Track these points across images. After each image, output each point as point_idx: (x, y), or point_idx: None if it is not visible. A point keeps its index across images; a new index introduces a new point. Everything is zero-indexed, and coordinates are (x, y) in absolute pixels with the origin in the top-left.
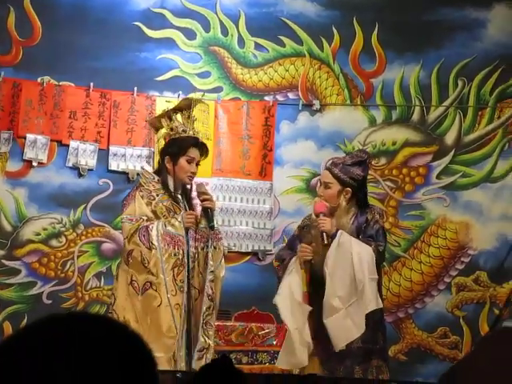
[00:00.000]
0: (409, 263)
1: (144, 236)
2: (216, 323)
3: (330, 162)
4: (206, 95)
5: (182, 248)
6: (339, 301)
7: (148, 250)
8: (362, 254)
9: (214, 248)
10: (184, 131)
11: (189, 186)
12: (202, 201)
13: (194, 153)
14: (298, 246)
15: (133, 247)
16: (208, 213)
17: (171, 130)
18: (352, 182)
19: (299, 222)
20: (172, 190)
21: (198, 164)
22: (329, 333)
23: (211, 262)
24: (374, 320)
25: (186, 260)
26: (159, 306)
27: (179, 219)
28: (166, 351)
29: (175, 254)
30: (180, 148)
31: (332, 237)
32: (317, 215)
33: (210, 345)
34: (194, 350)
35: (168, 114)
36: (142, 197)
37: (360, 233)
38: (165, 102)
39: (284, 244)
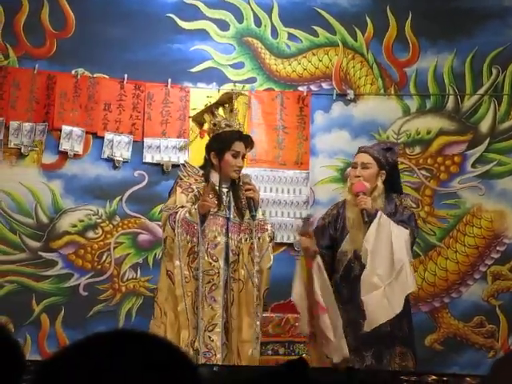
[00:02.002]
0: (444, 252)
1: (173, 222)
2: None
3: (362, 147)
4: (240, 86)
5: (197, 235)
6: (379, 279)
7: (174, 236)
8: (400, 235)
9: (259, 239)
10: (228, 125)
11: (237, 180)
12: (245, 191)
13: (238, 147)
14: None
15: (166, 234)
16: (250, 203)
17: (214, 125)
18: (386, 165)
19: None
20: (217, 184)
21: (243, 157)
22: (366, 310)
23: (257, 253)
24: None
25: (200, 248)
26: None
27: (195, 206)
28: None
29: (189, 242)
30: (224, 143)
31: (371, 216)
32: (357, 194)
33: (259, 334)
34: (233, 342)
35: (211, 109)
36: (181, 188)
37: (390, 218)
38: (206, 97)
39: None
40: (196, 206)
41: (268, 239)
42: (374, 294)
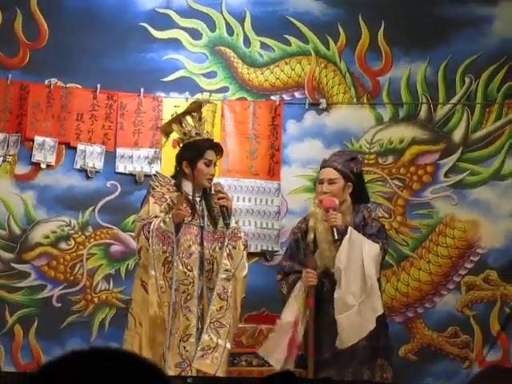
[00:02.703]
0: (417, 263)
1: (148, 232)
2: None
3: (327, 159)
4: (213, 95)
5: (172, 245)
6: (353, 297)
7: (149, 246)
8: (371, 251)
9: (233, 247)
10: (198, 134)
11: (208, 189)
12: (218, 199)
13: (210, 155)
14: (303, 271)
15: (140, 245)
16: (224, 211)
17: (184, 134)
18: (352, 177)
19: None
20: (190, 193)
21: (215, 165)
22: (339, 329)
23: (225, 261)
24: (376, 319)
25: (174, 258)
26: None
27: (170, 215)
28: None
29: (164, 251)
30: (197, 152)
31: (342, 233)
32: (326, 210)
33: (218, 344)
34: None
35: (178, 119)
36: (154, 198)
37: (359, 231)
38: (173, 106)
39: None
40: (170, 216)
41: (242, 247)
42: (348, 314)
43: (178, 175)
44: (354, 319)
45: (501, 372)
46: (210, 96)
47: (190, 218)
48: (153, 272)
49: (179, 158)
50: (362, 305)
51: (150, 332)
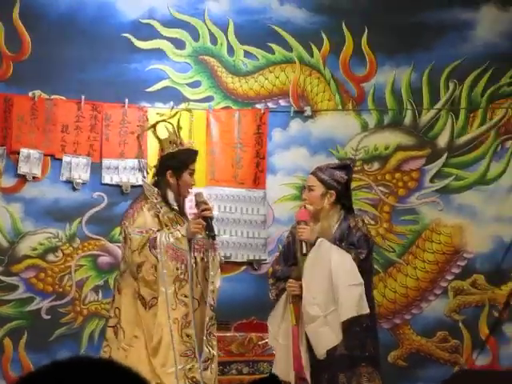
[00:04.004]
0: (404, 269)
1: (154, 247)
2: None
3: (315, 167)
4: (197, 105)
5: (185, 262)
6: (318, 308)
7: (157, 263)
8: (339, 261)
9: (213, 259)
10: (181, 144)
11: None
12: (201, 210)
13: (193, 165)
14: (288, 281)
15: (143, 259)
16: (209, 222)
17: (170, 143)
18: (336, 185)
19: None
20: (173, 203)
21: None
22: (310, 340)
23: (212, 273)
24: (361, 327)
25: (189, 273)
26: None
27: (182, 232)
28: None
29: (177, 268)
30: (183, 162)
31: (312, 246)
32: (298, 223)
33: (214, 355)
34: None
35: (155, 128)
36: (149, 209)
37: (343, 240)
38: (155, 114)
39: (277, 253)
40: (183, 232)
41: (219, 258)
42: (314, 325)
43: (162, 184)
44: (321, 330)
45: (471, 374)
46: (188, 105)
47: (175, 225)
48: (163, 289)
49: (164, 168)
50: (330, 316)
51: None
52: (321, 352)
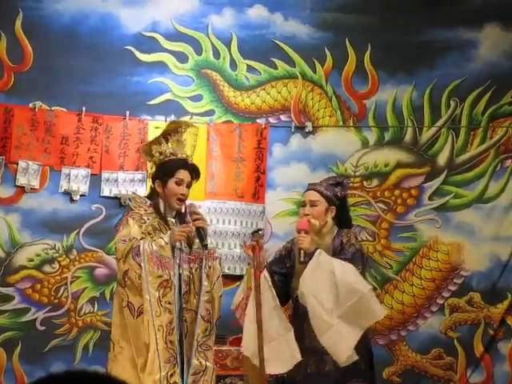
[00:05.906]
0: (401, 286)
1: (137, 255)
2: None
3: (311, 183)
4: (199, 118)
5: (170, 269)
6: (328, 315)
7: (140, 270)
8: (344, 269)
9: (209, 268)
10: (172, 154)
11: (183, 210)
12: (193, 220)
13: (182, 174)
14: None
15: (128, 267)
16: (200, 232)
17: (160, 154)
18: (336, 201)
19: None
20: (163, 213)
21: (188, 186)
22: (328, 349)
23: (205, 283)
24: None
25: (175, 282)
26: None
27: (166, 239)
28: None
29: (160, 276)
30: (168, 170)
31: (309, 256)
32: (298, 232)
33: (207, 367)
34: (187, 374)
35: (158, 140)
36: (134, 219)
37: (335, 255)
38: (154, 128)
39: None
40: (167, 240)
41: (219, 267)
42: (331, 332)
43: (153, 195)
44: (340, 334)
45: None
46: (190, 118)
47: (158, 233)
48: (147, 296)
49: (153, 178)
50: (341, 320)
51: (140, 357)
52: (344, 357)
